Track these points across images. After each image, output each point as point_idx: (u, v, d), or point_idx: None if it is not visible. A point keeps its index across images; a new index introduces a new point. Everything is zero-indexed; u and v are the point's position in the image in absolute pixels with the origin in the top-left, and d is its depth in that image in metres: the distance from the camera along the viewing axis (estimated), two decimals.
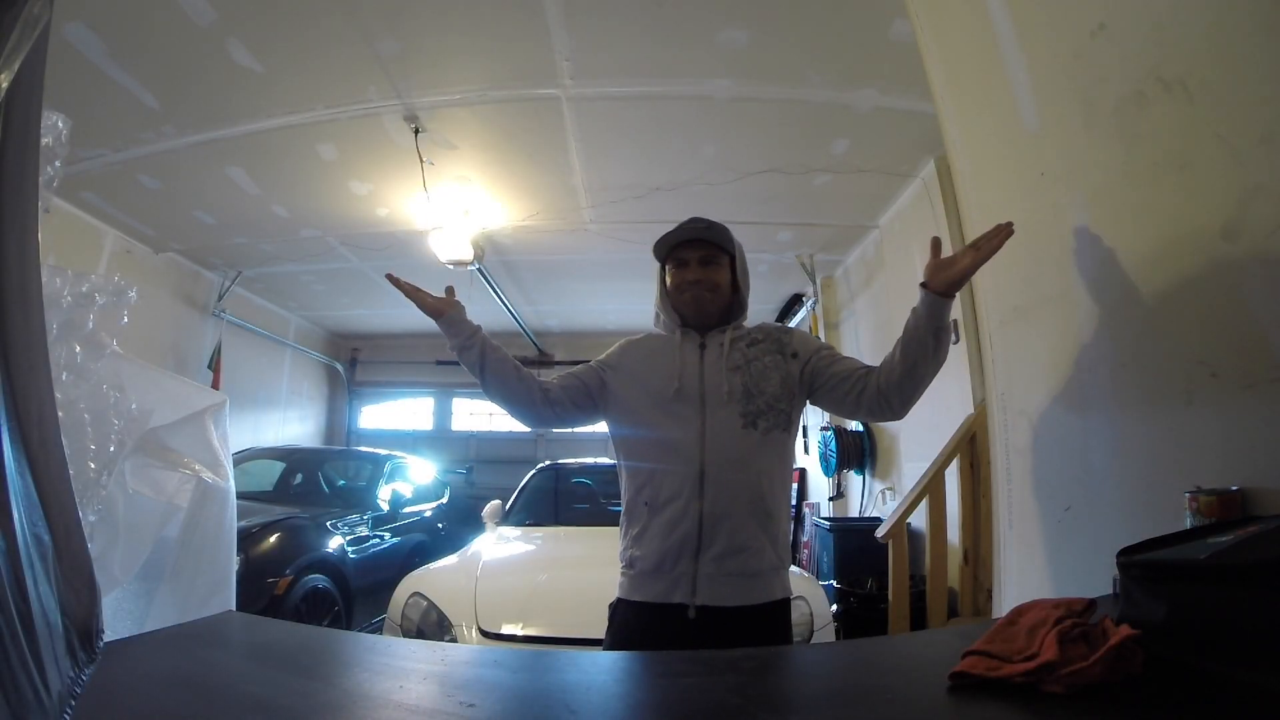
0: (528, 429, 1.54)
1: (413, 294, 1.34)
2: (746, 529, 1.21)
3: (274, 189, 4.13)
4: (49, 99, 0.73)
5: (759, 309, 6.56)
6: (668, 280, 1.39)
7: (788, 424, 1.30)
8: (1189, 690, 0.65)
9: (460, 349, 1.34)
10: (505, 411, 1.40)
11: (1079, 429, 1.41)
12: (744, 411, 1.26)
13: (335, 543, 3.71)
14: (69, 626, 0.65)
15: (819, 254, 5.20)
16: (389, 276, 1.41)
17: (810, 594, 2.29)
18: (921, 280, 1.19)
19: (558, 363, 8.47)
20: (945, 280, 1.16)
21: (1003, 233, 1.16)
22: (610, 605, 1.31)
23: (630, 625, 1.24)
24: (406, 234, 4.71)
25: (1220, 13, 1.06)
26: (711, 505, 1.21)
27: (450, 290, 1.39)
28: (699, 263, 1.35)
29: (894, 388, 1.23)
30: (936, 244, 1.22)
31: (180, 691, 0.74)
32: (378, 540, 4.20)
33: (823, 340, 1.43)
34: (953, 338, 1.20)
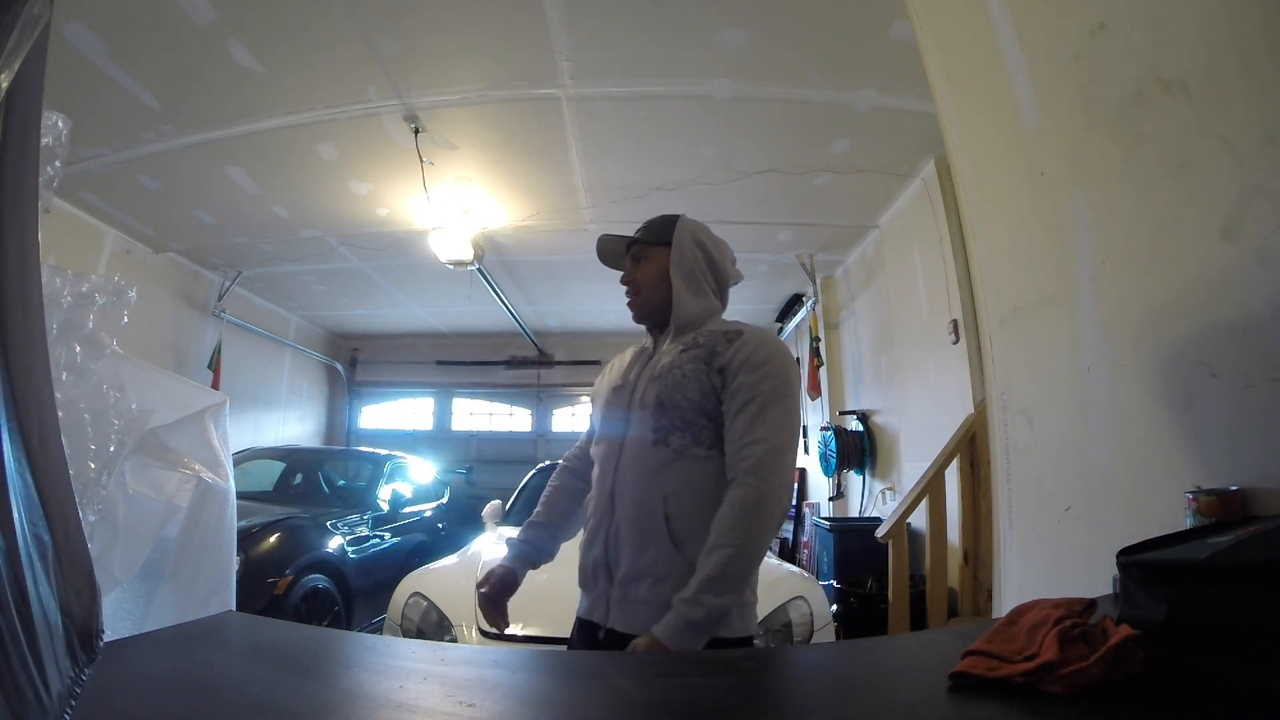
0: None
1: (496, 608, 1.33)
2: (649, 554, 1.10)
3: (274, 189, 4.13)
4: (49, 99, 0.73)
5: (759, 309, 6.56)
6: None
7: (715, 440, 1.12)
8: (1189, 690, 0.65)
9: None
10: None
11: (1079, 429, 1.41)
12: (656, 427, 1.14)
13: (335, 543, 3.71)
14: (69, 626, 0.65)
15: (819, 254, 5.20)
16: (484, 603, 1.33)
17: (810, 594, 2.29)
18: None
19: (558, 362, 8.47)
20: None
21: None
22: None
23: (572, 637, 1.23)
24: (406, 234, 4.72)
25: (1220, 13, 1.06)
26: (617, 525, 1.14)
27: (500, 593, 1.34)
28: (632, 262, 1.32)
29: None
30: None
31: (180, 691, 0.74)
32: (378, 540, 4.20)
33: (761, 367, 1.13)
34: (710, 618, 1.00)
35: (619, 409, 1.22)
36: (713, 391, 1.13)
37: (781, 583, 2.32)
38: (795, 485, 6.17)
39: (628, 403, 1.21)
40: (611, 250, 1.36)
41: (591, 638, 1.15)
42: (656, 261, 1.27)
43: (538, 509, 1.40)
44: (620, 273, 1.37)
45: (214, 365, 5.76)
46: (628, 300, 1.31)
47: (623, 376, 1.26)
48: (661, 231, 1.29)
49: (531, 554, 1.35)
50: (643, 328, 1.35)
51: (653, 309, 1.28)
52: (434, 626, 2.16)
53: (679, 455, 1.12)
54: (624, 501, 1.15)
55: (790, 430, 1.11)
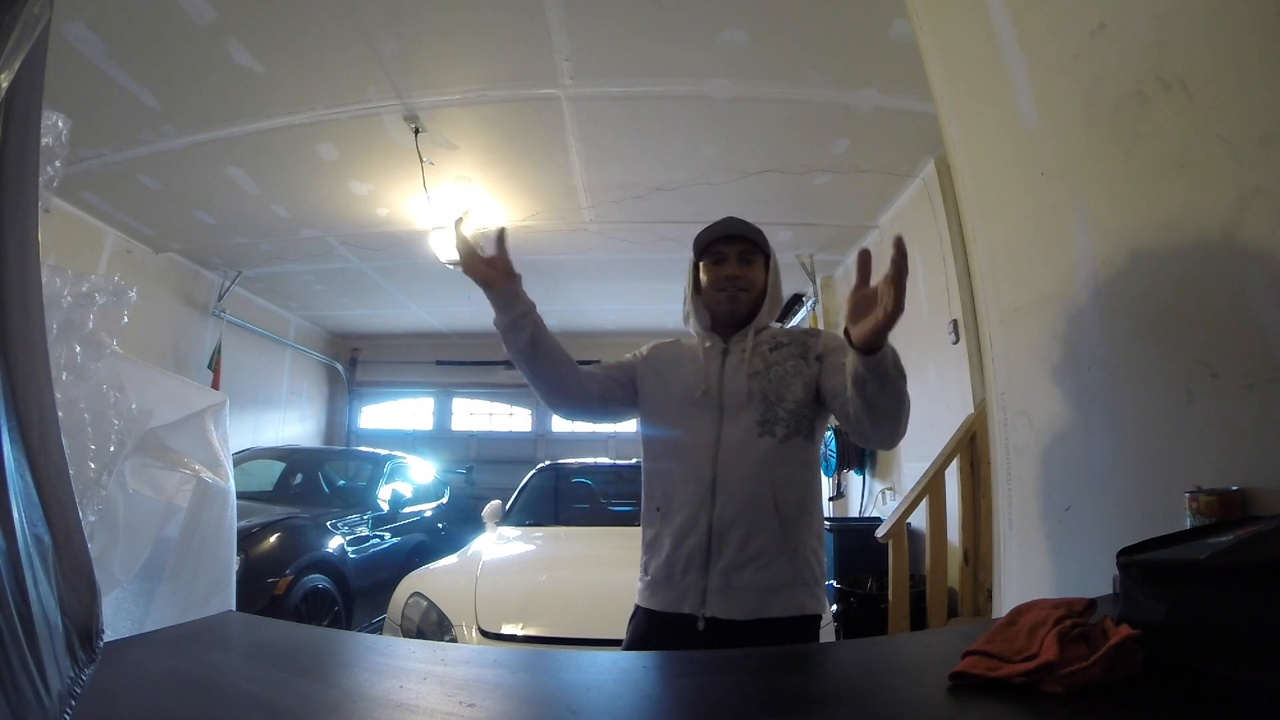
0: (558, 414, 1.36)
1: (466, 253, 1.26)
2: (757, 540, 1.17)
3: (274, 189, 4.13)
4: (49, 99, 0.73)
5: None
6: (703, 277, 1.34)
7: (810, 430, 1.25)
8: (1189, 690, 0.65)
9: (507, 328, 1.23)
10: (537, 393, 1.31)
11: (1079, 429, 1.41)
12: (761, 419, 1.21)
13: (335, 543, 3.71)
14: (69, 626, 0.65)
15: (819, 254, 5.20)
16: (459, 224, 1.27)
17: None
18: (845, 324, 1.01)
19: None
20: (864, 335, 0.94)
21: (898, 247, 0.90)
22: (632, 610, 1.29)
23: (644, 633, 1.22)
24: (406, 234, 4.71)
25: (1220, 13, 1.06)
26: (721, 515, 1.18)
27: (502, 247, 1.29)
28: (737, 259, 1.31)
29: (857, 427, 1.11)
30: (864, 260, 0.96)
31: (180, 691, 0.74)
32: (378, 540, 4.20)
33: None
34: (901, 377, 1.01)
35: (708, 406, 1.25)
36: (813, 380, 1.24)
37: None
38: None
39: (719, 399, 1.25)
40: (736, 232, 1.32)
41: (684, 630, 1.16)
42: (760, 268, 1.34)
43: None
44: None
45: (214, 365, 5.76)
46: (733, 295, 1.30)
47: (705, 378, 1.27)
48: (763, 241, 1.35)
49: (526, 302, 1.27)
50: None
51: (748, 310, 1.32)
52: (434, 626, 2.16)
53: (783, 444, 1.21)
54: (729, 491, 1.19)
55: None
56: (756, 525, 1.18)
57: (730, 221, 1.33)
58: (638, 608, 1.26)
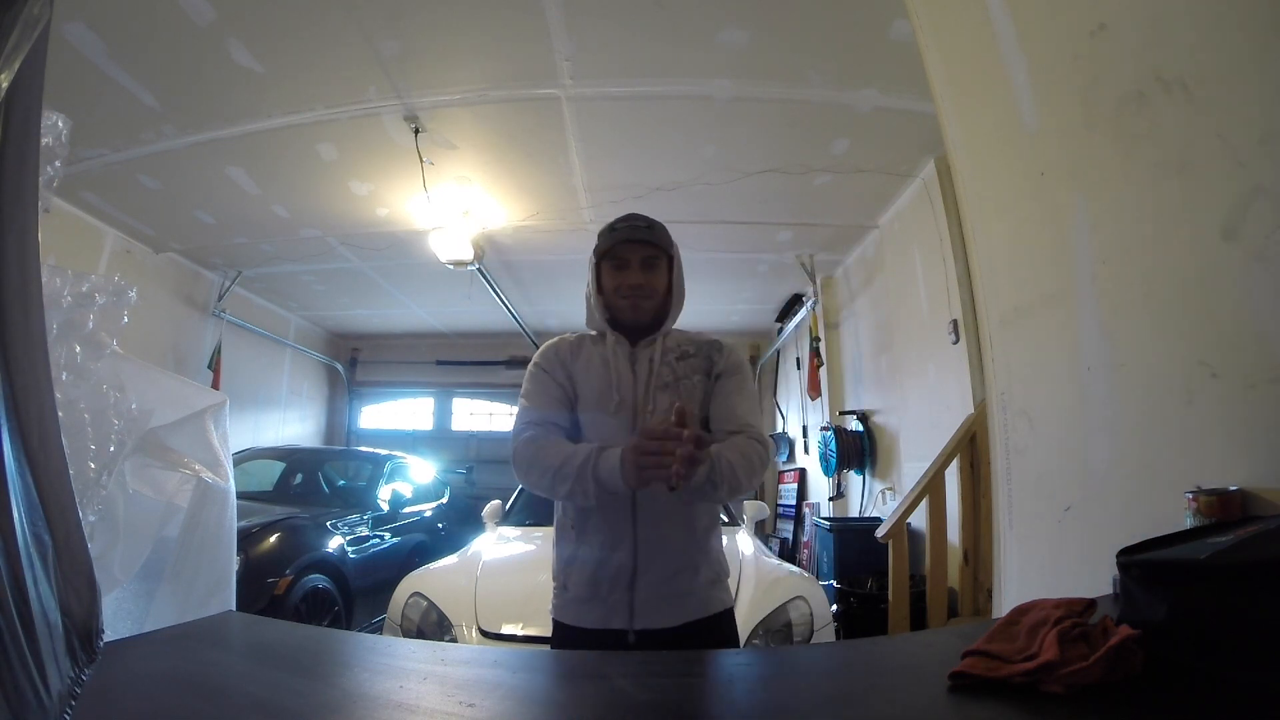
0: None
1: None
2: (681, 553, 1.19)
3: (274, 189, 4.13)
4: (49, 99, 0.73)
5: (759, 309, 6.57)
6: (603, 279, 1.29)
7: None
8: (1189, 690, 0.65)
9: (610, 492, 1.07)
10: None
11: (1079, 429, 1.41)
12: None
13: (335, 543, 3.71)
14: (69, 626, 0.65)
15: (819, 254, 5.20)
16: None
17: (810, 594, 2.29)
18: None
19: None
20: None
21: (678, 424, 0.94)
22: (554, 621, 1.26)
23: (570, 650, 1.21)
24: (406, 234, 4.71)
25: (1220, 13, 1.06)
26: (645, 533, 1.17)
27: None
28: (640, 265, 1.25)
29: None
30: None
31: (180, 691, 0.74)
32: (378, 540, 4.20)
33: (746, 371, 1.31)
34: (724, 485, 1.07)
35: (623, 420, 1.21)
36: (707, 399, 1.25)
37: (781, 583, 2.32)
38: (796, 485, 6.06)
39: (633, 412, 1.22)
40: (639, 238, 1.26)
41: (615, 645, 1.16)
42: (663, 272, 1.28)
43: (552, 443, 1.17)
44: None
45: (214, 365, 5.76)
46: (635, 304, 1.25)
47: (617, 388, 1.23)
48: (667, 243, 1.29)
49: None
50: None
51: (652, 315, 1.28)
52: (434, 626, 2.16)
53: None
54: (652, 509, 1.18)
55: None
56: (679, 539, 1.20)
57: (634, 225, 1.26)
58: (558, 624, 1.24)
